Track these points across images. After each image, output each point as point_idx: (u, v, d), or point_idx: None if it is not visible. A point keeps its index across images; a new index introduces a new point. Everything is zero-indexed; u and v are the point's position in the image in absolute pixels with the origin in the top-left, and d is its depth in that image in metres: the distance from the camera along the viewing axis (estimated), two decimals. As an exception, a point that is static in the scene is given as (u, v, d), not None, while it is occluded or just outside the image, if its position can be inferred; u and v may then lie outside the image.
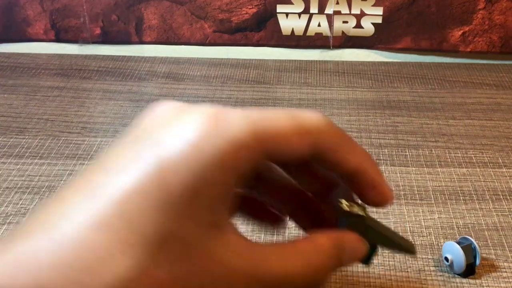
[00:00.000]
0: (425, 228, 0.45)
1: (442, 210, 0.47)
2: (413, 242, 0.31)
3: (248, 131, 0.23)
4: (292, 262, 0.25)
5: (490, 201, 0.48)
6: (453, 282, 0.40)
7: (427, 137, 0.57)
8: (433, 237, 0.44)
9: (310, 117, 0.25)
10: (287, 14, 0.72)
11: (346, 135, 0.27)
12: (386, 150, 0.55)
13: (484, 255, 0.43)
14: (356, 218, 0.29)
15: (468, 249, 0.40)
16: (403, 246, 0.30)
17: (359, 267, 0.42)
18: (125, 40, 0.74)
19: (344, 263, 0.27)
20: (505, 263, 0.42)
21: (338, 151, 0.26)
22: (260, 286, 0.23)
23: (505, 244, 0.44)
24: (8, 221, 0.46)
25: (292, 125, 0.25)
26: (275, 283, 0.24)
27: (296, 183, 0.30)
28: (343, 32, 0.72)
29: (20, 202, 0.49)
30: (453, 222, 0.46)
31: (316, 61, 0.74)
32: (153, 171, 0.22)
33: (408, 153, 0.55)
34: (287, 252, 0.25)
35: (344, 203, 0.29)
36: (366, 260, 0.30)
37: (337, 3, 0.70)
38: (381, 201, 0.29)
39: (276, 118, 0.24)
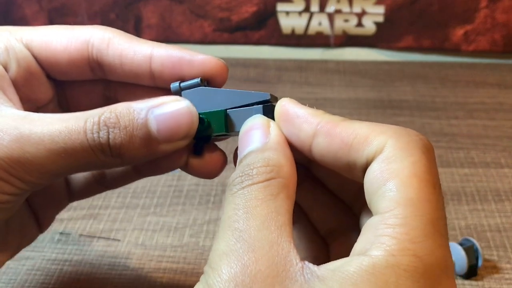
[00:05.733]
0: (427, 229, 0.45)
1: (444, 211, 0.47)
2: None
3: (5, 29, 0.30)
4: (61, 122, 0.26)
5: (492, 202, 0.48)
6: (455, 284, 0.40)
7: (429, 137, 0.56)
8: (434, 238, 0.44)
9: (87, 28, 0.30)
10: (287, 12, 0.71)
11: (130, 36, 0.30)
12: (387, 150, 0.55)
13: (486, 256, 0.42)
14: (193, 88, 0.28)
15: (470, 251, 0.40)
16: (256, 96, 0.27)
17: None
18: (125, 39, 0.74)
19: (114, 137, 0.26)
20: (507, 265, 0.42)
21: (119, 39, 0.30)
22: (32, 145, 0.26)
23: (507, 245, 0.43)
24: (4, 221, 0.46)
25: (56, 27, 0.30)
26: (45, 140, 0.26)
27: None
28: (344, 31, 0.72)
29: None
30: (455, 223, 0.46)
31: (317, 60, 0.73)
32: None
33: (409, 153, 0.54)
34: (50, 118, 0.26)
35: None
36: (198, 149, 0.28)
37: (338, 1, 0.70)
38: (206, 73, 0.28)
39: (48, 31, 0.30)
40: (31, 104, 0.31)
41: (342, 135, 0.25)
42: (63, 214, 0.47)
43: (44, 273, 0.41)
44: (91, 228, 0.46)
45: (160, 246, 0.44)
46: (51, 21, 0.73)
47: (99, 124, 0.26)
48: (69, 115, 0.26)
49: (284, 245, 0.22)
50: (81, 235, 0.45)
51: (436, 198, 0.23)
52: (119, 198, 0.49)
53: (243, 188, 0.23)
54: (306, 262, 0.22)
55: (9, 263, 0.42)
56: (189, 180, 0.51)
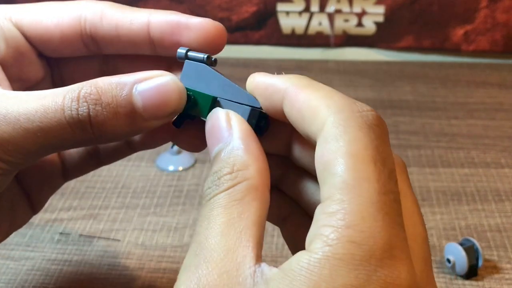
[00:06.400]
0: (427, 229, 0.45)
1: (444, 211, 0.47)
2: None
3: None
4: (38, 100, 0.25)
5: (492, 202, 0.48)
6: (455, 284, 0.40)
7: (429, 137, 0.57)
8: (435, 238, 0.44)
9: (78, 3, 0.29)
10: (287, 12, 0.71)
11: (123, 6, 0.29)
12: (387, 150, 0.55)
13: (486, 256, 0.42)
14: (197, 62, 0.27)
15: (471, 251, 0.40)
16: (250, 99, 0.26)
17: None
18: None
19: (95, 114, 0.25)
20: (507, 265, 0.41)
21: (112, 11, 0.28)
22: (8, 125, 0.25)
23: (507, 245, 0.43)
24: (4, 221, 0.46)
25: (46, 3, 0.28)
26: (22, 120, 0.25)
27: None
28: (344, 31, 0.72)
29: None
30: (455, 223, 0.45)
31: (317, 60, 0.73)
32: None
33: (409, 153, 0.54)
34: (42, 93, 0.25)
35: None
36: (177, 122, 0.27)
37: (338, 1, 0.70)
38: (203, 37, 0.27)
39: (33, 4, 0.29)
40: (22, 83, 0.30)
41: (299, 105, 0.23)
42: (63, 214, 0.47)
43: (44, 273, 0.41)
44: (91, 228, 0.45)
45: (160, 246, 0.44)
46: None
47: (78, 100, 0.24)
48: (47, 91, 0.25)
49: (240, 250, 0.21)
50: (81, 235, 0.45)
51: (378, 174, 0.21)
52: (119, 198, 0.49)
53: (210, 198, 0.23)
54: (262, 265, 0.21)
55: (9, 263, 0.42)
56: (189, 180, 0.51)
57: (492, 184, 0.50)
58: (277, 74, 0.25)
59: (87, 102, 0.24)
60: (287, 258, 0.44)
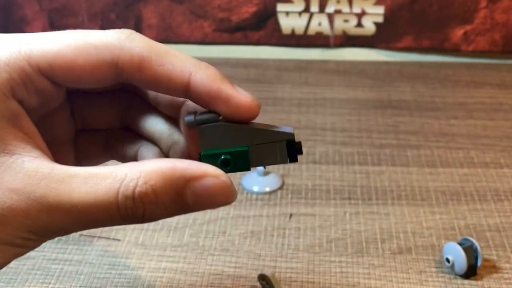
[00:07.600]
0: (426, 229, 0.45)
1: (444, 211, 0.47)
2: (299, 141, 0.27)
3: (17, 52, 0.25)
4: (89, 190, 0.24)
5: (491, 202, 0.48)
6: (455, 284, 0.40)
7: (429, 137, 0.57)
8: (434, 238, 0.44)
9: (103, 33, 0.26)
10: (287, 13, 0.71)
11: (162, 45, 0.26)
12: (387, 150, 0.55)
13: (485, 256, 0.42)
14: (208, 121, 0.26)
15: (470, 250, 0.40)
16: (281, 135, 0.26)
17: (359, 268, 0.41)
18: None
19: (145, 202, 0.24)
20: (506, 264, 0.42)
21: (152, 64, 0.26)
22: (60, 215, 0.23)
23: (506, 245, 0.43)
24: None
25: (76, 45, 0.25)
26: (74, 212, 0.23)
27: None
28: (344, 31, 0.72)
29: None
30: (454, 223, 0.46)
31: (317, 60, 0.73)
32: None
33: (409, 153, 0.54)
34: (90, 178, 0.24)
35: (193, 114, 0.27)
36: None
37: (338, 1, 0.70)
38: (240, 113, 0.26)
39: (57, 41, 0.25)
40: (39, 114, 0.28)
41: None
42: (63, 214, 0.47)
43: (45, 273, 0.41)
44: (91, 228, 0.46)
45: (160, 246, 0.44)
46: (51, 22, 0.73)
47: (133, 199, 0.24)
48: (98, 175, 0.24)
49: None
50: (81, 234, 0.45)
51: None
52: (119, 198, 0.49)
53: None
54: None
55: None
56: (189, 180, 0.51)
57: (491, 184, 0.50)
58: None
59: (142, 202, 0.24)
60: (287, 258, 0.44)
